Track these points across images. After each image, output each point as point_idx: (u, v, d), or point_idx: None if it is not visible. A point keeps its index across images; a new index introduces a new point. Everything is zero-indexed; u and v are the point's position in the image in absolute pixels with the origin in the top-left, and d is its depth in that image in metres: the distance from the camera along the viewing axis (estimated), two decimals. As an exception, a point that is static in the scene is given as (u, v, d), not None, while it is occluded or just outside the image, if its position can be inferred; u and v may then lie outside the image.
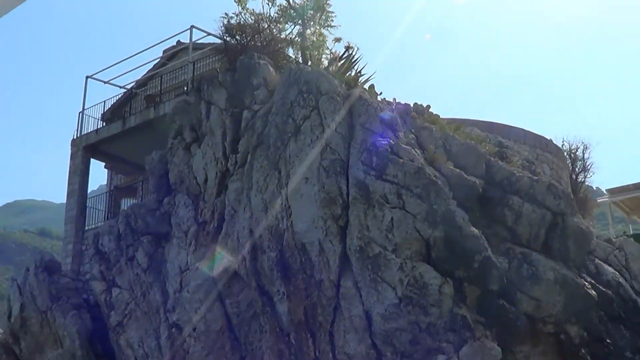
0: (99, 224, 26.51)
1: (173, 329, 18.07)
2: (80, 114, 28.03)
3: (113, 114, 29.26)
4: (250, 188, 15.89)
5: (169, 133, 22.21)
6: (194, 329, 17.23)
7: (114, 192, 29.10)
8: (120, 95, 30.00)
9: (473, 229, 13.39)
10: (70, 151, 27.82)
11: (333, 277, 13.75)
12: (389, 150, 13.94)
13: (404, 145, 14.25)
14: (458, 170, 14.43)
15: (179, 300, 17.81)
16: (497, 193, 14.94)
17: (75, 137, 27.96)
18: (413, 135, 15.29)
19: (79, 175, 27.05)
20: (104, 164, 30.10)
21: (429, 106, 17.54)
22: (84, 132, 27.84)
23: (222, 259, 18.01)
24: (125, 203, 29.48)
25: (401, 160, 13.77)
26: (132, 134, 25.98)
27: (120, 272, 20.20)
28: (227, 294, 16.73)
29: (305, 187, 14.45)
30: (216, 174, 17.71)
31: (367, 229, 13.49)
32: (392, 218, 13.30)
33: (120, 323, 20.28)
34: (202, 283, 17.07)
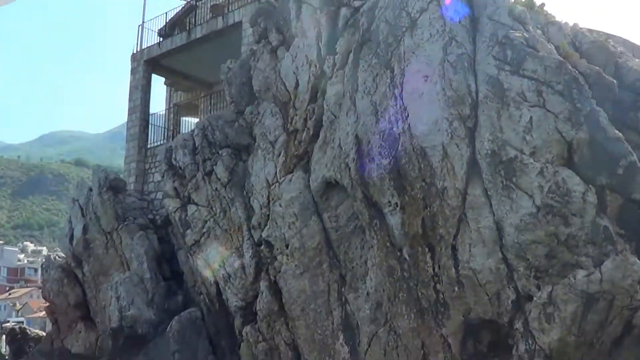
0: (161, 142, 25.43)
1: (261, 247, 16.94)
2: (140, 27, 26.71)
3: (172, 29, 27.84)
4: (355, 90, 14.36)
5: (241, 42, 20.86)
6: (287, 246, 16.06)
7: (175, 109, 27.82)
8: (180, 8, 28.56)
9: (617, 131, 11.89)
10: (130, 66, 26.58)
11: (459, 185, 12.32)
12: (525, 43, 12.34)
13: (540, 38, 12.66)
14: (597, 67, 12.84)
15: (268, 216, 16.64)
16: (629, 96, 13.37)
17: (135, 52, 26.66)
18: (539, 31, 13.66)
19: (140, 90, 25.86)
20: (164, 79, 28.78)
21: (543, 4, 15.76)
22: (144, 46, 26.53)
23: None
24: (185, 122, 28.38)
25: (540, 53, 12.18)
26: (197, 46, 24.67)
27: (197, 188, 19.05)
28: (324, 207, 15.48)
29: (426, 85, 12.89)
30: (309, 77, 16.23)
31: (500, 130, 12.00)
32: (530, 118, 11.77)
33: (197, 242, 19.18)
34: (296, 196, 15.82)
